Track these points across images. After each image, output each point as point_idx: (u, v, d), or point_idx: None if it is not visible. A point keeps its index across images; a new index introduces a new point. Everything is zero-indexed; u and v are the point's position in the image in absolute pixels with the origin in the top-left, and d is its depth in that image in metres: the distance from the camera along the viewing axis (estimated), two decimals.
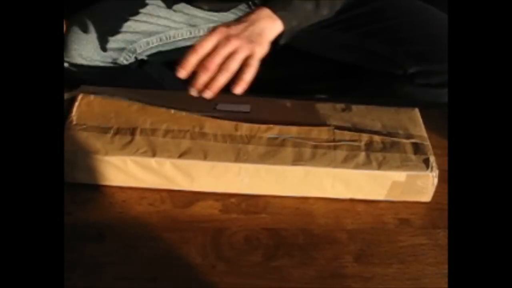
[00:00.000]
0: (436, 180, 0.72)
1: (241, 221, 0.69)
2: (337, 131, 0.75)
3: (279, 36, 0.77)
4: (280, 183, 0.72)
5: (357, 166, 0.71)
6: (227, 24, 0.74)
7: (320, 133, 0.75)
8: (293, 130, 0.75)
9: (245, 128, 0.75)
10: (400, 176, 0.71)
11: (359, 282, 0.64)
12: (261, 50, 0.74)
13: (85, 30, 0.90)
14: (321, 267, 0.65)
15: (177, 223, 0.69)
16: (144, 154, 0.70)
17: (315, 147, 0.73)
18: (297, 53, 1.02)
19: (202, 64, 0.70)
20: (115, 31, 0.92)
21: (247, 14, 0.76)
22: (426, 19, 0.93)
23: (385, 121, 0.78)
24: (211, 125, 0.75)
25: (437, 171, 0.71)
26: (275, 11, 0.76)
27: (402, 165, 0.72)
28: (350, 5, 0.97)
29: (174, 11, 0.96)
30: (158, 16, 0.95)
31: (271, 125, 0.75)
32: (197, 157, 0.70)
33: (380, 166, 0.71)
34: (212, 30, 0.73)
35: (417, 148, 0.74)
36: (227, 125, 0.75)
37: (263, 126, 0.75)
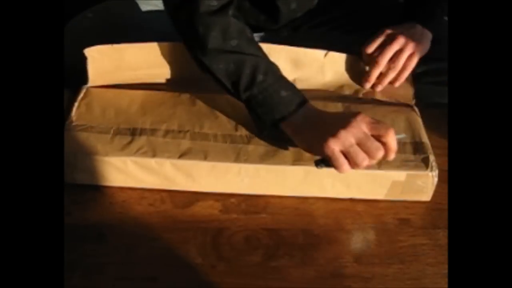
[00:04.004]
0: (436, 180, 0.72)
1: (241, 221, 0.70)
2: None
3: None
4: (280, 183, 0.72)
5: None
6: (399, 36, 0.85)
7: None
8: None
9: (245, 128, 0.75)
10: (400, 175, 0.71)
11: (359, 282, 0.64)
12: (423, 49, 0.85)
13: (91, 32, 0.90)
14: (321, 267, 0.65)
15: (177, 223, 0.69)
16: (144, 154, 0.70)
17: None
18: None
19: (374, 60, 0.84)
20: (122, 32, 0.92)
21: (408, 31, 0.86)
22: None
23: (385, 121, 0.78)
24: (211, 125, 0.75)
25: (437, 171, 0.71)
26: (425, 26, 0.87)
27: (402, 165, 0.72)
28: (356, 7, 0.97)
29: None
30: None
31: None
32: (197, 158, 0.70)
33: (380, 165, 0.71)
34: (379, 32, 0.86)
35: (417, 148, 0.74)
36: (227, 125, 0.75)
37: None
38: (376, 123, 0.68)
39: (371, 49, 0.85)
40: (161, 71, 0.83)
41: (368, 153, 0.66)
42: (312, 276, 0.64)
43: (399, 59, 0.83)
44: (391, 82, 0.85)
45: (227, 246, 0.67)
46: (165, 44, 0.82)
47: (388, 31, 0.85)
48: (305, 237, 0.68)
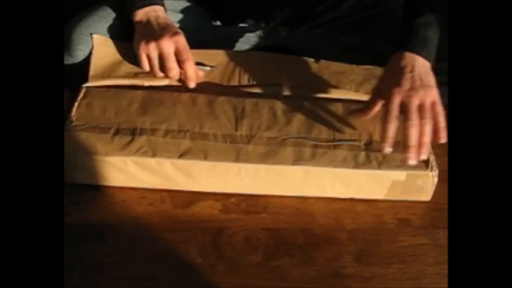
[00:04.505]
0: (436, 179, 0.72)
1: (241, 221, 0.70)
2: (337, 130, 0.76)
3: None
4: (280, 183, 0.72)
5: (357, 166, 0.71)
6: (396, 84, 0.72)
7: (320, 132, 0.75)
8: (293, 129, 0.75)
9: (245, 128, 0.75)
10: (400, 175, 0.71)
11: (359, 282, 0.64)
12: (436, 91, 0.72)
13: (91, 31, 0.90)
14: (321, 267, 0.65)
15: (177, 223, 0.69)
16: (144, 154, 0.70)
17: (315, 146, 0.73)
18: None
19: (408, 125, 0.69)
20: (122, 31, 0.92)
21: (398, 66, 0.74)
22: None
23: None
24: (211, 125, 0.75)
25: (437, 170, 0.71)
26: (420, 53, 0.75)
27: (402, 165, 0.72)
28: (360, 7, 0.97)
29: (181, 12, 0.96)
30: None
31: (271, 125, 0.75)
32: (197, 157, 0.70)
33: (380, 165, 0.71)
34: (390, 95, 0.72)
35: None
36: (227, 125, 0.75)
37: (263, 126, 0.75)
38: (183, 50, 0.78)
39: (394, 118, 0.71)
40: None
41: (164, 69, 0.79)
42: (312, 276, 0.64)
43: (426, 112, 0.70)
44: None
45: (227, 246, 0.67)
46: None
47: (398, 90, 0.72)
48: (305, 237, 0.68)
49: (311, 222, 0.70)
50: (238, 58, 0.87)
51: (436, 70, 0.90)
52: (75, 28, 0.90)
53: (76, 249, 0.64)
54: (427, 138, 0.69)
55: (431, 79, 0.74)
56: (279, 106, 0.79)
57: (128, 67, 0.83)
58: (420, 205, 0.73)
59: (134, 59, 0.83)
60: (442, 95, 0.87)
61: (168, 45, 0.78)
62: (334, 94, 0.82)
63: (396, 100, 0.71)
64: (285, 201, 0.72)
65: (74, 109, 0.76)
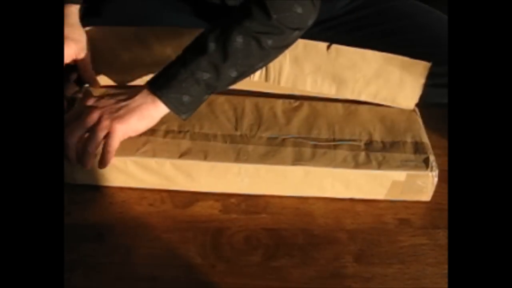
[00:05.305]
0: (436, 180, 0.72)
1: (241, 221, 0.70)
2: (337, 130, 0.76)
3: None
4: (280, 183, 0.72)
5: (357, 166, 0.71)
6: (101, 98, 0.70)
7: (320, 132, 0.75)
8: (293, 129, 0.75)
9: (245, 127, 0.75)
10: (400, 175, 0.71)
11: (359, 282, 0.64)
12: (123, 128, 0.67)
13: None
14: (321, 267, 0.65)
15: (177, 223, 0.69)
16: (144, 154, 0.70)
17: (315, 146, 0.73)
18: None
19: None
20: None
21: (132, 90, 0.71)
22: (430, 22, 0.94)
23: (385, 121, 0.78)
24: (211, 125, 0.75)
25: (437, 171, 0.71)
26: (152, 91, 0.69)
27: (402, 165, 0.72)
28: (354, 7, 0.97)
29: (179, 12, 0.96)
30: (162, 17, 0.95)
31: (271, 125, 0.75)
32: (197, 158, 0.70)
33: (380, 165, 0.71)
34: (86, 101, 0.70)
35: (417, 148, 0.74)
36: (227, 125, 0.75)
37: (263, 126, 0.75)
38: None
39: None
40: (157, 52, 0.83)
41: None
42: (312, 276, 0.64)
43: (90, 140, 0.67)
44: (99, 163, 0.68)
45: (227, 246, 0.67)
46: (161, 27, 0.83)
47: (91, 100, 0.70)
48: (305, 237, 0.68)
49: (311, 222, 0.70)
50: None
51: (442, 72, 0.90)
52: None
53: (76, 249, 0.64)
54: (88, 164, 0.67)
55: (132, 120, 0.68)
56: (279, 106, 0.79)
57: (124, 55, 0.82)
58: (420, 205, 0.73)
59: (128, 43, 0.82)
60: (442, 96, 0.88)
61: None
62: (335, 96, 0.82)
63: (82, 107, 0.69)
64: (285, 201, 0.72)
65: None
